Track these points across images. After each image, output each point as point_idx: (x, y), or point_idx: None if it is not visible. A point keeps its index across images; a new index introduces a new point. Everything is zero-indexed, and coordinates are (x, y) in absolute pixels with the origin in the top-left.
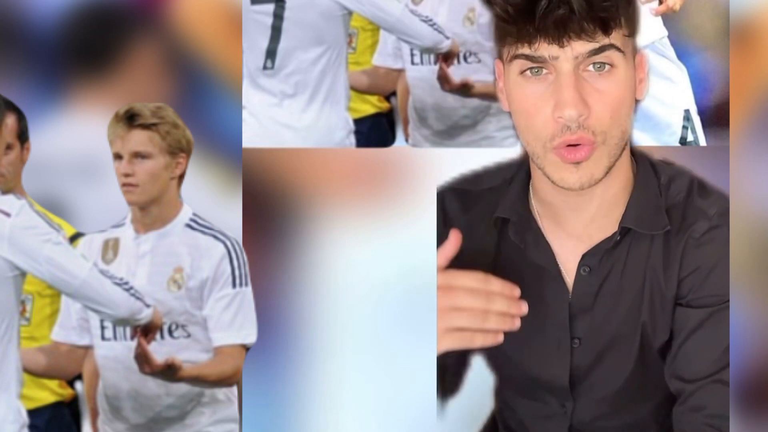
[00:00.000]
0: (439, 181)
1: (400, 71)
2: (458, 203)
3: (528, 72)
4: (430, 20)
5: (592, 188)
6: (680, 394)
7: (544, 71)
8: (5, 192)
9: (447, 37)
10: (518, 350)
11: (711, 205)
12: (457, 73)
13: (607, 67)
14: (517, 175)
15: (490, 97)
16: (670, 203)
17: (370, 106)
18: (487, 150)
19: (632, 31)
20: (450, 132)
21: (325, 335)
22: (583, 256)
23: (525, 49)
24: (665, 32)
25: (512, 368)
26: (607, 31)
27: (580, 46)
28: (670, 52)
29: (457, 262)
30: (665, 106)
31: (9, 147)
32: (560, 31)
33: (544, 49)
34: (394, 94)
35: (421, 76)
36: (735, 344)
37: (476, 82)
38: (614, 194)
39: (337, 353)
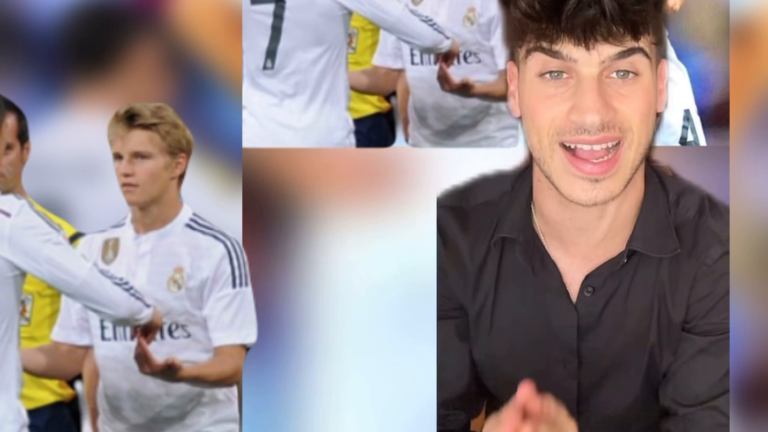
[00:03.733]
0: (439, 181)
1: (400, 71)
2: (455, 222)
3: (547, 75)
4: (430, 20)
5: (605, 204)
6: (674, 414)
7: (565, 75)
8: (5, 192)
9: (447, 37)
10: (522, 371)
11: (723, 228)
12: (457, 73)
13: (631, 75)
14: (518, 188)
15: (490, 97)
16: (679, 221)
17: (370, 106)
18: (487, 150)
19: (659, 39)
20: (450, 132)
21: (325, 335)
22: (587, 277)
23: (546, 44)
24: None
25: (516, 389)
26: (636, 37)
27: (607, 49)
28: (670, 52)
29: (460, 282)
30: (665, 106)
31: (9, 147)
32: (588, 33)
33: (568, 49)
34: (394, 94)
35: (421, 76)
36: (735, 344)
37: (476, 82)
38: (625, 212)
39: (337, 353)
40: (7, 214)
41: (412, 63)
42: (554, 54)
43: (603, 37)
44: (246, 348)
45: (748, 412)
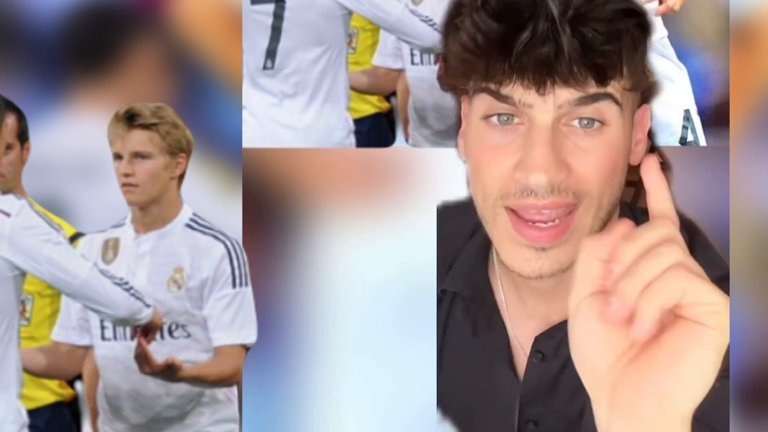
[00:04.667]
0: (439, 181)
1: (400, 71)
2: None
3: (494, 118)
4: (430, 20)
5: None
6: None
7: (516, 120)
8: (5, 192)
9: None
10: (466, 423)
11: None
12: None
13: (596, 124)
14: (478, 230)
15: None
16: None
17: (370, 106)
18: None
19: (635, 84)
20: (450, 132)
21: (325, 335)
22: (536, 340)
23: (493, 86)
24: (665, 32)
25: None
26: (603, 81)
27: (566, 93)
28: (670, 52)
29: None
30: (665, 106)
31: (9, 147)
32: (542, 75)
33: (519, 93)
34: (394, 94)
35: (421, 76)
36: (735, 344)
37: None
38: None
39: (337, 353)
40: (7, 214)
41: (412, 63)
42: (503, 98)
43: (562, 79)
44: (246, 348)
45: (748, 412)
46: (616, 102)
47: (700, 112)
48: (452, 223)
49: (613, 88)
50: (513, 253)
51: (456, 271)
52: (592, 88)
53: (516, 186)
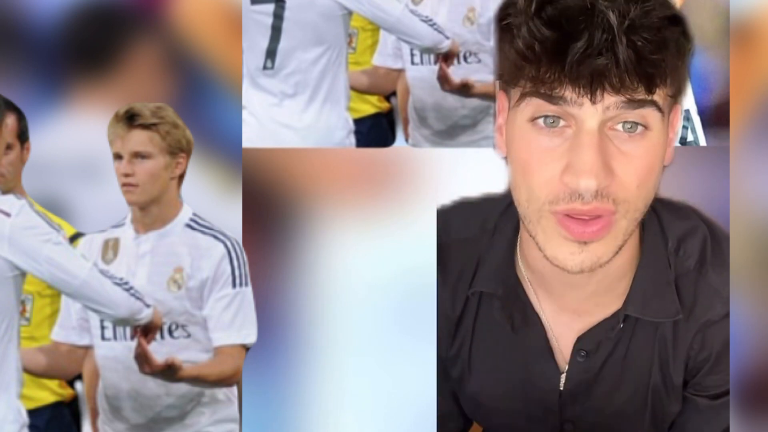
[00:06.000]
0: (439, 181)
1: (400, 71)
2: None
3: (541, 120)
4: (430, 20)
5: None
6: None
7: (562, 123)
8: (5, 192)
9: (447, 37)
10: (512, 426)
11: (724, 282)
12: (457, 73)
13: (639, 128)
14: (501, 227)
15: (490, 97)
16: (679, 271)
17: (370, 106)
18: (487, 150)
19: (677, 90)
20: (450, 132)
21: (325, 335)
22: (579, 339)
23: (545, 90)
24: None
25: None
26: (651, 89)
27: (614, 97)
28: None
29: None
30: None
31: (9, 147)
32: (595, 84)
33: (570, 95)
34: (394, 94)
35: (421, 76)
36: (735, 344)
37: (476, 82)
38: (620, 266)
39: (337, 353)
40: (7, 214)
41: (412, 63)
42: (554, 100)
43: (614, 88)
44: (246, 348)
45: (748, 412)
46: (659, 109)
47: (700, 112)
48: (467, 225)
49: (658, 95)
50: (559, 247)
51: (485, 271)
52: (639, 95)
53: (564, 190)
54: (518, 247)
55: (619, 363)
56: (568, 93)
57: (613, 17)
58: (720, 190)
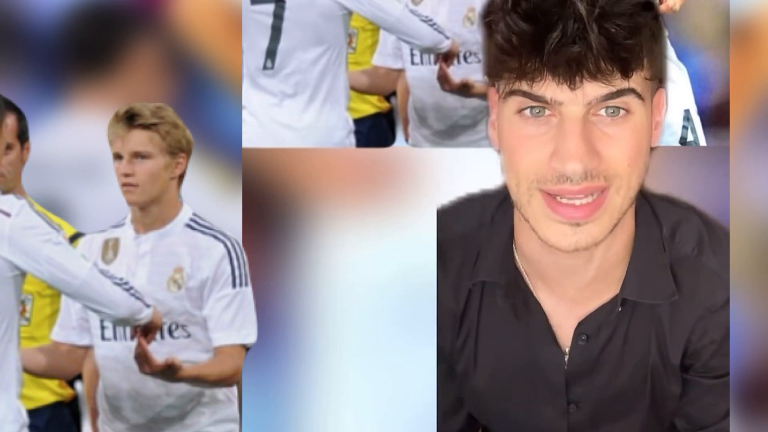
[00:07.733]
0: (439, 181)
1: (400, 71)
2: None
3: (527, 111)
4: (430, 20)
5: (590, 249)
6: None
7: (547, 112)
8: (5, 192)
9: (447, 37)
10: (515, 415)
11: (724, 267)
12: (457, 73)
13: (621, 112)
14: (498, 220)
15: None
16: (675, 256)
17: (370, 106)
18: (487, 150)
19: (655, 73)
20: (450, 132)
21: (325, 335)
22: (580, 324)
23: (525, 86)
24: (665, 32)
25: (506, 424)
26: (627, 74)
27: (593, 89)
28: (670, 52)
29: (444, 323)
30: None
31: (9, 147)
32: (572, 71)
33: (550, 89)
34: (394, 94)
35: (421, 76)
36: (735, 344)
37: (476, 82)
38: (615, 253)
39: (337, 353)
40: (7, 214)
41: (412, 63)
42: (536, 98)
43: (590, 74)
44: (246, 348)
45: (748, 412)
46: (639, 96)
47: (700, 112)
48: (466, 220)
49: (635, 81)
50: (550, 228)
51: (486, 261)
52: (617, 82)
53: (552, 173)
54: (515, 241)
55: (620, 345)
56: (549, 89)
57: (581, 7)
58: (720, 190)
